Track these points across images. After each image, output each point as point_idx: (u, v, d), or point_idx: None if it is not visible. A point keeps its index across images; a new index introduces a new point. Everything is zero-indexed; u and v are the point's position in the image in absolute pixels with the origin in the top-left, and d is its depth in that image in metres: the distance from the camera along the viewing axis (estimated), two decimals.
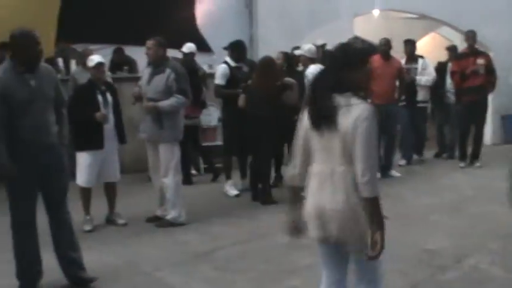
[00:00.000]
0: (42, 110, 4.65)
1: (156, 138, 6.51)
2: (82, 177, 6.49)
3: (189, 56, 8.80)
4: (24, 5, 9.82)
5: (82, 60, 8.69)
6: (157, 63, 6.47)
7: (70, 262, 4.99)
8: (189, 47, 8.89)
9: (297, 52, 8.80)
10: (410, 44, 9.99)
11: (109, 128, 6.48)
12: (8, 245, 4.81)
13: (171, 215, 6.63)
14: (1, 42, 9.41)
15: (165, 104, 6.37)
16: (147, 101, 6.43)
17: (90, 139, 6.31)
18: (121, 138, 6.64)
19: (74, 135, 6.18)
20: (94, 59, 6.54)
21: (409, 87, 9.57)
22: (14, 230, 4.77)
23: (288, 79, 7.60)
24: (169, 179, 6.53)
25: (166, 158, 6.51)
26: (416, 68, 9.87)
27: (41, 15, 9.66)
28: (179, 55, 8.85)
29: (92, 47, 10.47)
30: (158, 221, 6.71)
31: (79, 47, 10.08)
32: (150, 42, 6.49)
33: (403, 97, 9.37)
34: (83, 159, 6.45)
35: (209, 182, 8.92)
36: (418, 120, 10.00)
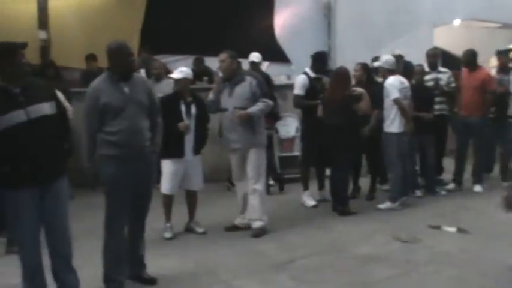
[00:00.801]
0: (135, 116, 4.93)
1: (249, 146, 6.60)
2: (165, 185, 6.65)
3: (256, 65, 8.83)
4: (109, 18, 10.20)
5: (157, 71, 8.96)
6: (232, 76, 6.60)
7: (138, 260, 5.27)
8: (257, 56, 8.92)
9: (375, 64, 8.72)
10: (504, 55, 9.44)
11: (191, 138, 6.62)
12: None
13: (262, 222, 6.71)
14: (89, 54, 9.82)
15: (255, 109, 6.49)
16: (237, 111, 6.52)
17: (172, 148, 6.45)
18: (196, 149, 6.73)
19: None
20: (182, 70, 6.71)
21: (500, 99, 8.89)
22: (107, 234, 5.01)
23: (356, 89, 7.56)
24: (260, 185, 6.65)
25: (258, 164, 6.63)
26: (508, 80, 9.10)
27: (125, 28, 10.00)
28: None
29: (173, 58, 10.77)
30: (234, 230, 6.80)
31: (160, 58, 10.35)
32: (223, 56, 6.62)
33: (491, 110, 8.87)
34: (167, 167, 6.61)
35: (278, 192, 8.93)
36: (507, 136, 9.02)
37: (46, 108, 4.41)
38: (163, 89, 8.42)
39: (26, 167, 4.31)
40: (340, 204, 7.58)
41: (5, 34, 9.39)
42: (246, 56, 8.74)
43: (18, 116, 4.27)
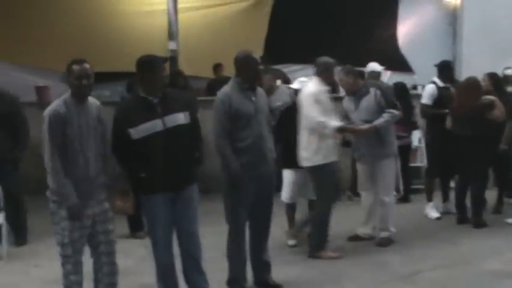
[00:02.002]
0: (261, 124, 5.11)
1: (377, 157, 6.55)
2: (286, 194, 6.73)
3: (376, 75, 8.70)
4: (235, 28, 10.48)
5: (267, 85, 9.07)
6: (355, 90, 6.60)
7: (263, 265, 5.34)
8: (376, 66, 8.81)
9: (507, 72, 8.40)
10: None
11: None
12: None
13: (389, 232, 6.67)
14: (217, 63, 10.12)
15: (381, 121, 6.43)
16: (362, 123, 6.52)
17: (292, 158, 6.52)
18: None
19: (280, 153, 6.49)
20: (305, 80, 6.76)
21: None
22: (231, 238, 5.19)
23: (487, 97, 7.30)
24: (390, 196, 6.61)
25: (388, 174, 6.59)
26: None
27: (250, 37, 10.24)
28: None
29: (296, 67, 10.88)
30: (357, 240, 6.78)
31: (283, 67, 10.49)
32: (342, 74, 6.64)
33: None
34: (287, 176, 6.69)
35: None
36: None
37: (181, 118, 4.62)
38: (279, 97, 8.54)
39: (161, 173, 4.55)
40: (474, 216, 7.36)
41: (137, 45, 9.98)
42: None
43: (156, 125, 4.52)
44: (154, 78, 4.59)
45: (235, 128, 5.00)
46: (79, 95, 4.41)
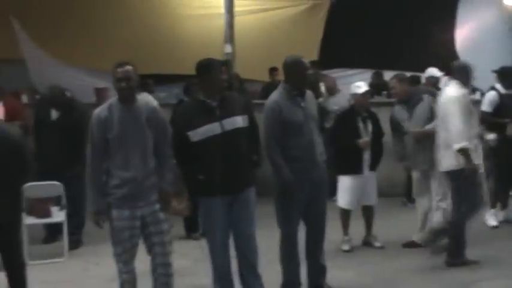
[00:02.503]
0: (311, 130, 5.07)
1: (434, 163, 6.40)
2: (343, 199, 6.71)
3: (435, 81, 8.58)
4: (290, 32, 10.50)
5: (329, 85, 9.07)
6: (409, 97, 6.53)
7: (318, 269, 5.33)
8: (435, 71, 8.68)
9: None
10: None
11: (368, 154, 6.62)
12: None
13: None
14: (272, 67, 10.16)
15: (432, 126, 6.32)
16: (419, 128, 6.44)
17: (351, 164, 6.50)
18: (373, 165, 6.70)
19: (336, 158, 6.49)
20: (361, 85, 6.73)
21: None
22: (284, 242, 5.20)
23: None
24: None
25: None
26: None
27: (305, 41, 10.25)
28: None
29: (350, 71, 10.84)
30: (412, 246, 6.68)
31: (337, 72, 10.45)
32: (394, 81, 6.59)
33: None
34: (344, 182, 6.67)
35: None
36: None
37: (239, 121, 4.67)
38: (338, 101, 8.52)
39: (219, 176, 4.60)
40: None
41: (193, 48, 10.13)
42: (424, 71, 8.62)
43: (214, 128, 4.58)
44: (213, 81, 4.65)
45: (285, 135, 4.97)
46: (121, 98, 4.50)
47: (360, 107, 6.66)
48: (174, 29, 10.77)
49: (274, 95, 5.10)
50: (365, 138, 6.53)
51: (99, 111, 4.52)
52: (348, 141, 6.48)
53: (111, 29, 10.31)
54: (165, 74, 9.90)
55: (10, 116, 7.45)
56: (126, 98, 4.48)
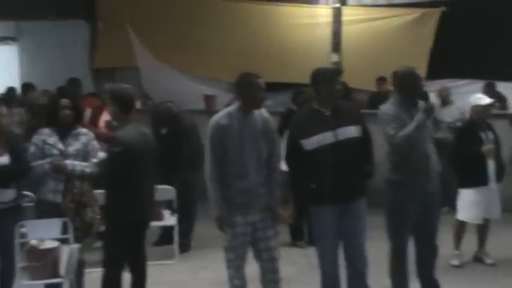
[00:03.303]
0: (425, 141, 4.94)
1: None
2: (466, 213, 6.47)
3: None
4: (399, 41, 10.33)
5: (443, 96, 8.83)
6: None
7: (430, 284, 5.18)
8: None
9: None
10: None
11: (491, 165, 6.40)
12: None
13: None
14: (380, 77, 10.02)
15: None
16: None
17: (476, 176, 6.29)
18: (499, 176, 6.47)
19: (459, 171, 6.40)
20: (483, 97, 6.59)
21: None
22: (394, 255, 5.10)
23: None
24: None
25: None
26: None
27: (414, 51, 10.04)
28: None
29: (460, 81, 10.51)
30: None
31: (447, 82, 10.16)
32: None
33: None
34: (469, 196, 6.43)
35: None
36: None
37: (353, 131, 4.64)
38: (451, 113, 8.29)
39: (330, 185, 4.59)
40: None
41: (300, 57, 10.17)
42: None
43: (328, 137, 4.57)
44: (328, 90, 4.64)
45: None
46: (250, 107, 4.58)
47: (479, 119, 6.47)
48: (280, 38, 10.83)
49: (389, 106, 5.02)
50: (489, 146, 6.30)
51: (219, 118, 4.62)
52: (472, 150, 6.26)
53: (222, 39, 10.51)
54: (272, 82, 9.97)
55: None
56: (257, 107, 4.61)
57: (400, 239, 5.05)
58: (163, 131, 7.09)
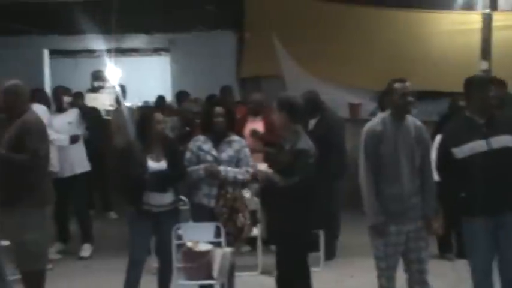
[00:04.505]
0: None
1: None
2: None
3: None
4: None
5: None
6: None
7: None
8: None
9: None
10: None
11: None
12: None
13: None
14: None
15: None
16: None
17: None
18: None
19: None
20: None
21: None
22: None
23: None
24: None
25: None
26: None
27: None
28: None
29: None
30: None
31: None
32: None
33: None
34: None
35: None
36: None
37: (509, 140, 4.47)
38: None
39: (481, 195, 4.44)
40: None
41: (448, 64, 9.87)
42: None
43: (480, 145, 4.44)
44: (481, 98, 4.52)
45: None
46: (400, 113, 4.55)
47: None
48: (427, 45, 10.58)
49: None
50: None
51: (373, 125, 4.63)
52: None
53: (368, 47, 10.43)
54: (420, 90, 9.74)
55: (269, 130, 7.74)
56: (405, 112, 4.57)
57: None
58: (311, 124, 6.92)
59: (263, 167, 5.12)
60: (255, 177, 5.48)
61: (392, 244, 4.55)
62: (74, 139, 7.39)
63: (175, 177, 5.41)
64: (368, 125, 4.65)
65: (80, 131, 7.60)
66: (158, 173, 5.28)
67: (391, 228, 4.53)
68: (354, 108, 9.99)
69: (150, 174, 5.26)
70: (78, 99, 9.44)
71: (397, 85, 4.55)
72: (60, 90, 7.82)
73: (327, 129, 6.82)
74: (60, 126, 7.29)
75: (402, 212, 4.53)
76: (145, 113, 5.74)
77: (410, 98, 4.53)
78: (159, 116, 5.46)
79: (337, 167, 6.82)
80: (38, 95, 7.30)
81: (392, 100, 4.58)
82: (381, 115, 4.79)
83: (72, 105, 7.94)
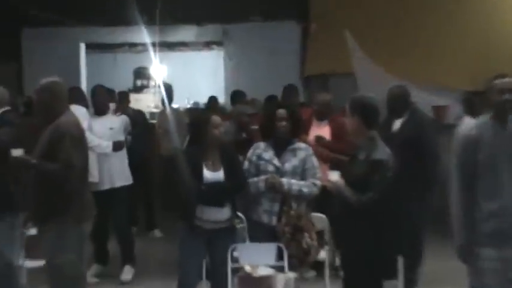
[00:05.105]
0: None
1: None
2: None
3: None
4: None
5: None
6: None
7: None
8: None
9: None
10: None
11: None
12: None
13: None
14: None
15: None
16: None
17: None
18: None
19: None
20: None
21: None
22: None
23: None
24: None
25: None
26: None
27: None
28: None
29: None
30: None
31: None
32: None
33: None
34: None
35: None
36: None
37: None
38: None
39: None
40: None
41: None
42: None
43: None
44: None
45: None
46: (500, 114, 4.42)
47: None
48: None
49: None
50: None
51: (467, 130, 4.59)
52: None
53: (454, 42, 10.32)
54: None
55: (337, 135, 7.60)
56: (510, 113, 4.44)
57: None
58: (397, 124, 6.77)
59: (335, 176, 4.92)
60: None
61: (490, 270, 4.35)
62: (117, 146, 7.37)
63: (234, 188, 5.43)
64: (462, 131, 4.58)
65: (123, 136, 7.63)
66: (215, 184, 5.31)
67: (488, 251, 4.39)
68: (439, 111, 9.84)
69: (206, 185, 5.30)
70: (123, 101, 9.47)
71: (496, 82, 4.46)
72: (101, 90, 7.79)
73: (418, 131, 6.64)
74: (101, 132, 7.31)
75: (503, 231, 4.35)
76: (200, 116, 5.77)
77: (508, 96, 4.34)
78: (216, 119, 5.48)
79: (431, 177, 6.66)
80: (76, 95, 7.37)
81: (491, 99, 4.50)
82: (471, 119, 4.71)
83: (117, 109, 7.93)
